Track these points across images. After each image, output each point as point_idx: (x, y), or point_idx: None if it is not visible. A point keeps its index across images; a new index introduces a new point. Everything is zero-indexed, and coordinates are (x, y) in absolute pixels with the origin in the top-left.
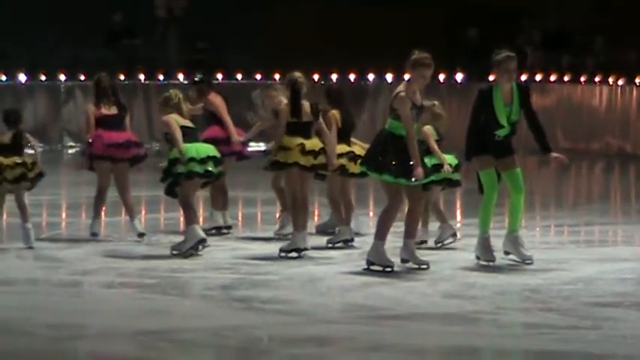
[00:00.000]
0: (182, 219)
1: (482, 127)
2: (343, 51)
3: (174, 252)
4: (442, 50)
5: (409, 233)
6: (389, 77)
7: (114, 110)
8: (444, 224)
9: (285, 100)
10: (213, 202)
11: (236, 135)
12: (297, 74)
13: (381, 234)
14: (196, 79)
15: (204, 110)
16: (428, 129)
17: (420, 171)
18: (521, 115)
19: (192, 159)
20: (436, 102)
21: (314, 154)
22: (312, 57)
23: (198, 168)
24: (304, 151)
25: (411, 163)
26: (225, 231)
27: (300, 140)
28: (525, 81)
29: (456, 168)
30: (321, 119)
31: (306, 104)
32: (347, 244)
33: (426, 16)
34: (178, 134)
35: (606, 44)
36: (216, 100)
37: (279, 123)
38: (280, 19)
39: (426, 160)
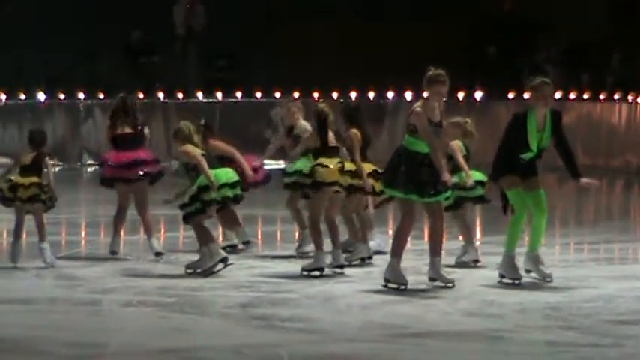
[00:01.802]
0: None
1: (510, 149)
2: (363, 68)
3: (189, 270)
4: (461, 68)
5: (434, 251)
6: (408, 95)
7: (128, 129)
8: (470, 245)
9: (305, 124)
10: (223, 223)
11: (250, 172)
12: (322, 105)
13: (395, 251)
14: (201, 123)
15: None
16: (456, 144)
17: (447, 176)
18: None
19: (223, 184)
20: (468, 120)
21: (350, 174)
22: (331, 75)
23: (230, 193)
24: (343, 171)
25: (424, 180)
26: (241, 247)
27: (338, 159)
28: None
29: (485, 185)
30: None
31: (330, 134)
32: (364, 261)
33: (446, 34)
34: (204, 162)
35: (623, 60)
36: (218, 144)
37: (301, 145)
38: (300, 37)
39: (457, 178)
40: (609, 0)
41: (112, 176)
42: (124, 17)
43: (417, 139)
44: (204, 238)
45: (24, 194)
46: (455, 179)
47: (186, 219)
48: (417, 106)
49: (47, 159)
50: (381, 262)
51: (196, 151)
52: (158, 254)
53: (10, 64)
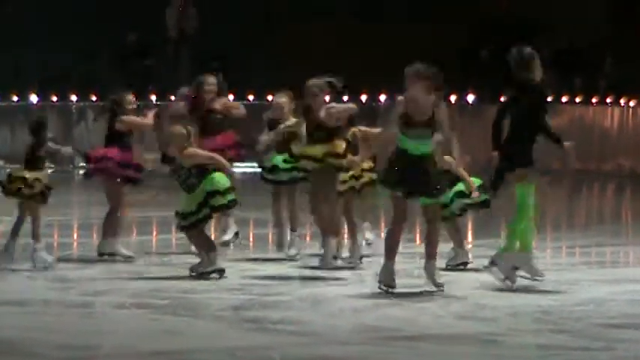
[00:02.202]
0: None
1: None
2: (355, 72)
3: (193, 273)
4: (454, 71)
5: (429, 254)
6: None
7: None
8: (460, 249)
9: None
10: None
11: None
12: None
13: (387, 253)
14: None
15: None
16: (449, 158)
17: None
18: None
19: (229, 188)
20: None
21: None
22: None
23: (233, 195)
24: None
25: (415, 180)
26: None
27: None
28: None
29: (482, 188)
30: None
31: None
32: (360, 261)
33: (444, 36)
34: (218, 156)
35: (616, 64)
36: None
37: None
38: (299, 39)
39: (462, 186)
40: (607, 2)
41: (92, 173)
42: (119, 20)
43: (405, 137)
44: (206, 245)
45: (13, 186)
46: (460, 187)
47: (189, 228)
48: (401, 95)
49: (51, 145)
50: (374, 264)
51: (200, 151)
52: (101, 255)
53: (9, 64)
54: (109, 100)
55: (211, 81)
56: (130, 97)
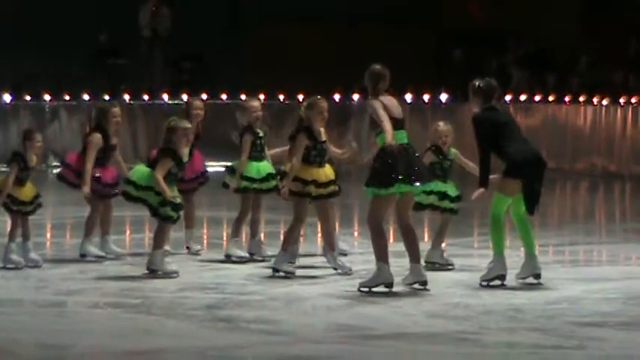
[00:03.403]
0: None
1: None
2: (328, 71)
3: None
4: (427, 70)
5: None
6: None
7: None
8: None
9: None
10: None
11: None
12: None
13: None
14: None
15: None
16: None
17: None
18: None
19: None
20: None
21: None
22: (297, 78)
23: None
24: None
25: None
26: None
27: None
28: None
29: (457, 198)
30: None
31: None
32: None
33: (413, 39)
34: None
35: (590, 64)
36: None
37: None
38: (267, 40)
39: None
40: (581, 3)
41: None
42: (92, 19)
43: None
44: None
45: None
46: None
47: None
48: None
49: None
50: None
51: None
52: (83, 256)
53: None
54: (96, 109)
55: (198, 104)
56: (116, 110)
